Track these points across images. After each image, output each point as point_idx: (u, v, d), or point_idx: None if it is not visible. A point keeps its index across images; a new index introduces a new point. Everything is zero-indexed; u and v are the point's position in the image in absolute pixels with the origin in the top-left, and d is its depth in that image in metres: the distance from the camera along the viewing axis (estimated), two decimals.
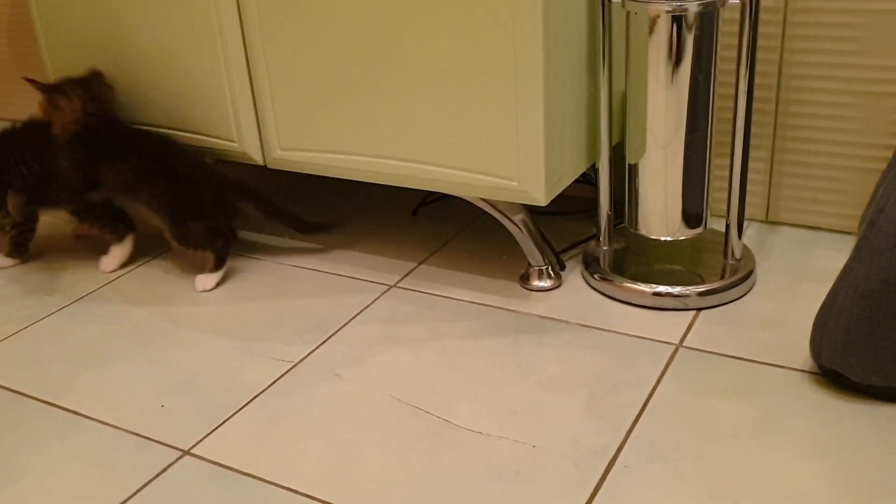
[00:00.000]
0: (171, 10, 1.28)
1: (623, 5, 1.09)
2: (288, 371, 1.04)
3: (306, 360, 1.06)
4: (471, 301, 1.17)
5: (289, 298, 1.21)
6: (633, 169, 1.14)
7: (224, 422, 0.95)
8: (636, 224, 1.16)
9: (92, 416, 0.97)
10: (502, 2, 1.01)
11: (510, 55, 1.03)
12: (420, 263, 1.29)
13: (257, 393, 1.00)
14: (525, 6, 0.99)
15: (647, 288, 1.12)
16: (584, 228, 1.35)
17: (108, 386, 1.03)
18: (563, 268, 1.22)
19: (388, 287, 1.22)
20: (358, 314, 1.16)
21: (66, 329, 1.16)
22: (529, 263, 1.19)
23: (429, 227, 1.41)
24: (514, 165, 1.09)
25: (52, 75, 1.46)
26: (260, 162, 1.31)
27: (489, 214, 1.18)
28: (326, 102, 1.20)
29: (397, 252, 1.33)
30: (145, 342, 1.12)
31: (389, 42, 1.11)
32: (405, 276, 1.25)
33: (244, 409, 0.97)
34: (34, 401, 1.01)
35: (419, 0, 1.06)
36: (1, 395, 1.02)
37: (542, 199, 1.09)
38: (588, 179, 1.37)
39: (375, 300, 1.19)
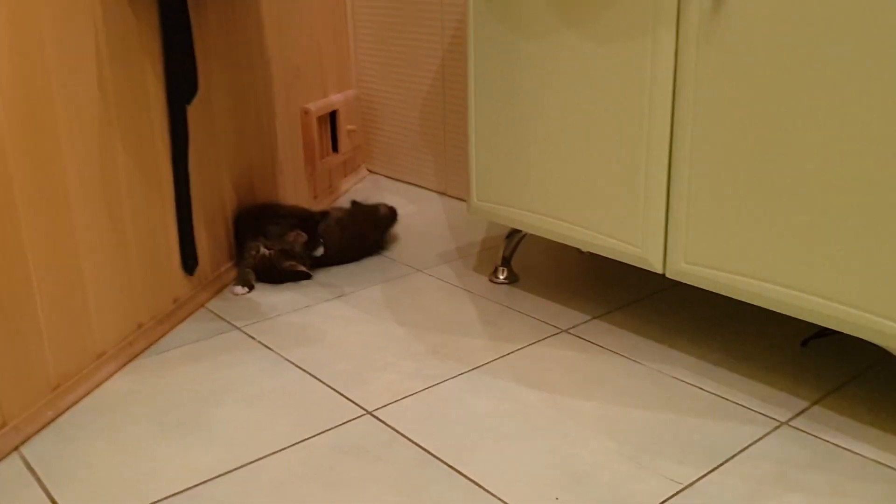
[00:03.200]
0: (601, 104, 1.36)
1: None
2: (678, 493, 1.03)
3: (696, 485, 1.04)
4: (876, 460, 1.08)
5: (672, 412, 1.21)
6: None
7: None
8: None
9: (492, 490, 1.04)
10: None
11: None
12: (814, 403, 1.22)
13: None
14: None
15: None
16: None
17: (506, 463, 1.10)
18: None
19: (779, 423, 1.17)
20: (748, 447, 1.12)
21: (464, 396, 1.27)
22: None
23: (821, 361, 1.33)
24: None
25: (475, 166, 1.62)
26: (659, 270, 1.34)
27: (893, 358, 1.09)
28: (749, 222, 1.19)
29: (786, 384, 1.27)
30: (537, 427, 1.18)
31: (835, 162, 1.08)
32: (797, 414, 1.19)
33: None
34: (440, 462, 1.10)
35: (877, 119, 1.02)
36: (413, 452, 1.13)
37: None
38: None
39: (766, 435, 1.14)
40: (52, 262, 1.21)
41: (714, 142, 1.20)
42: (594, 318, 1.53)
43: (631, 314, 1.54)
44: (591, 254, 1.84)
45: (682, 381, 1.30)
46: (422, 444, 1.15)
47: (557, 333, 1.47)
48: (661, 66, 1.25)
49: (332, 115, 2.33)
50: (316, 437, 1.17)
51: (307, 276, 1.73)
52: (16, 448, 1.15)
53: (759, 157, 1.16)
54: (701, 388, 1.27)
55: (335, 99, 2.32)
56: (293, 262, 1.71)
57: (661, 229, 1.31)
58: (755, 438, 1.14)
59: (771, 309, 1.19)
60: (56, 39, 1.20)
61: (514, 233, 1.70)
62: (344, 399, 1.27)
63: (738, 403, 1.23)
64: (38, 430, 1.19)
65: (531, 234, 1.83)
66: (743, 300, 1.23)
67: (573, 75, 1.39)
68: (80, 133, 1.26)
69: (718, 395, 1.25)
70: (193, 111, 1.57)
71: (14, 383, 1.15)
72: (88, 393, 1.29)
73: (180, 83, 1.50)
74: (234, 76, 1.75)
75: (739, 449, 1.12)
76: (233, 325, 1.53)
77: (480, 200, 1.64)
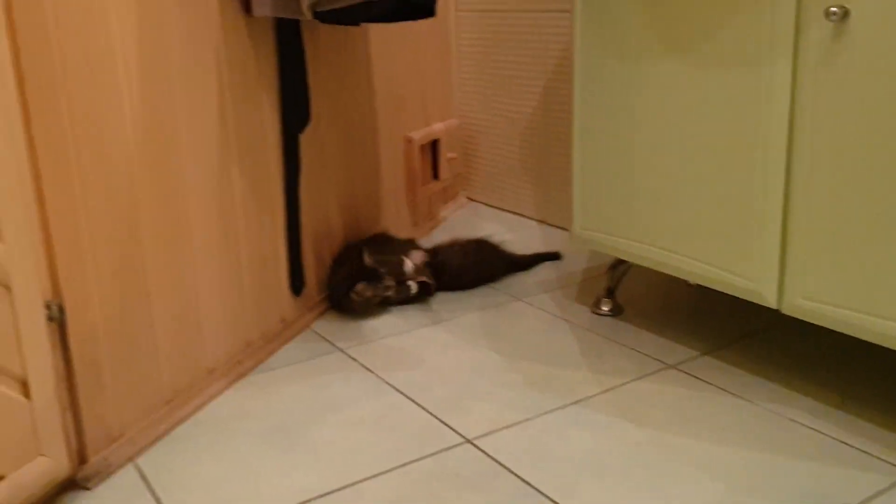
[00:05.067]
0: (712, 132, 1.32)
1: None
2: None
3: None
4: None
5: (787, 456, 1.15)
6: None
7: None
8: None
9: None
10: None
11: None
12: None
13: None
14: None
15: None
16: None
17: (612, 501, 1.07)
18: None
19: None
20: (871, 498, 1.05)
21: (566, 430, 1.24)
22: None
23: None
24: None
25: (578, 194, 1.60)
26: (773, 305, 1.29)
27: None
28: (873, 257, 1.13)
29: None
30: (643, 465, 1.14)
31: None
32: None
33: None
34: (544, 497, 1.08)
35: None
36: (513, 484, 1.11)
37: None
38: None
39: (892, 487, 1.07)
40: (170, 280, 1.26)
41: (835, 171, 1.15)
42: (703, 354, 1.48)
43: (742, 351, 1.48)
44: (699, 286, 1.79)
45: (798, 422, 1.24)
46: (523, 477, 1.13)
47: (664, 369, 1.43)
48: (776, 94, 1.21)
49: (434, 143, 2.35)
50: (416, 463, 1.17)
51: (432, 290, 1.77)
52: (131, 459, 1.19)
53: (885, 188, 1.10)
54: (818, 431, 1.21)
55: (437, 128, 2.35)
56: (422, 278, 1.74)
57: (776, 262, 1.26)
58: (878, 489, 1.07)
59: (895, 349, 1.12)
60: (182, 71, 1.26)
61: (618, 263, 1.67)
62: (443, 426, 1.26)
63: (859, 449, 1.16)
64: (152, 443, 1.23)
65: (636, 265, 1.79)
66: (864, 339, 1.17)
67: (682, 103, 1.36)
68: (201, 158, 1.31)
69: (837, 440, 1.18)
70: (304, 139, 1.61)
71: (131, 396, 1.20)
72: (199, 408, 1.33)
73: (294, 113, 1.55)
74: (343, 106, 1.79)
75: (861, 499, 1.05)
76: (336, 346, 1.55)
77: (584, 229, 1.62)
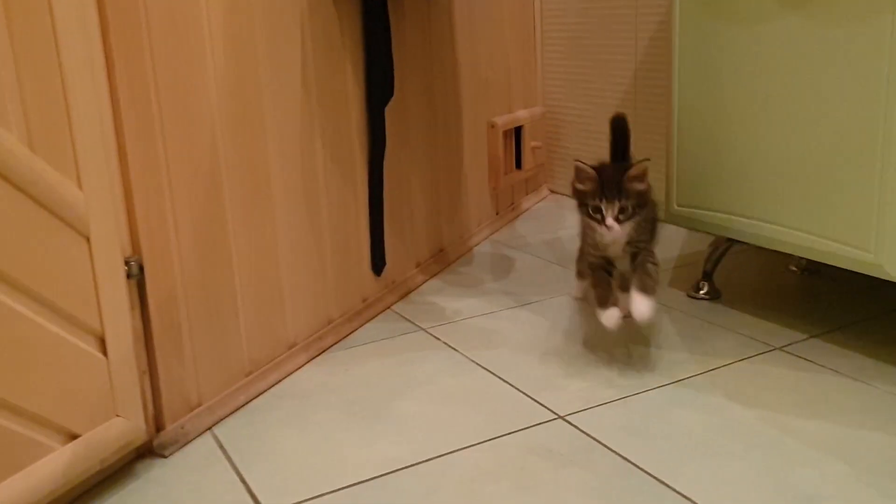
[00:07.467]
0: (829, 92, 1.22)
1: None
2: None
3: None
4: None
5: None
6: None
7: None
8: None
9: None
10: None
11: None
12: None
13: None
14: None
15: None
16: None
17: (723, 481, 0.97)
18: None
19: None
20: None
21: (666, 409, 1.15)
22: None
23: None
24: None
25: (675, 169, 1.51)
26: (895, 278, 1.17)
27: None
28: None
29: None
30: (755, 445, 1.04)
31: None
32: None
33: None
34: (645, 474, 1.00)
35: None
36: (611, 460, 1.03)
37: None
38: None
39: None
40: (252, 248, 1.22)
41: None
42: (812, 336, 1.36)
43: (857, 333, 1.36)
44: (804, 271, 1.67)
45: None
46: (622, 454, 1.04)
47: (770, 351, 1.32)
48: None
49: (517, 131, 2.28)
50: (505, 437, 1.09)
51: None
52: (209, 428, 1.15)
53: None
54: None
55: (521, 115, 2.28)
56: None
57: None
58: None
59: None
60: (266, 38, 1.22)
61: (718, 243, 1.56)
62: (533, 402, 1.19)
63: None
64: (231, 413, 1.19)
65: (733, 251, 1.68)
66: None
67: (793, 63, 1.26)
68: (283, 122, 1.28)
69: None
70: (388, 115, 1.57)
71: (210, 364, 1.16)
72: (279, 381, 1.28)
73: (378, 85, 1.51)
74: (427, 84, 1.74)
75: None
76: (418, 326, 1.49)
77: (681, 206, 1.52)
